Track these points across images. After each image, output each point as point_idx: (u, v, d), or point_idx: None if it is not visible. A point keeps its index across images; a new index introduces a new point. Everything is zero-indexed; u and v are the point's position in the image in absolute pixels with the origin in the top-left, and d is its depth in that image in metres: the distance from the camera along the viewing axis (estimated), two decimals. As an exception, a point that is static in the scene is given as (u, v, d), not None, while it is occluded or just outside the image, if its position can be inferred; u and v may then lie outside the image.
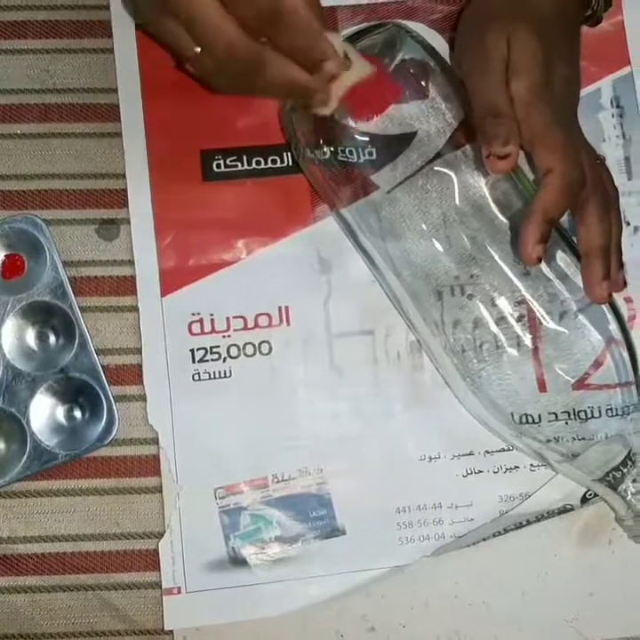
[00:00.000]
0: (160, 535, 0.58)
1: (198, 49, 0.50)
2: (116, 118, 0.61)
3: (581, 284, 0.55)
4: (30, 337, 0.60)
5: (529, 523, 0.58)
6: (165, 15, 0.50)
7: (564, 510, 0.58)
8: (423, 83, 0.56)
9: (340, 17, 0.63)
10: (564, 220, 0.55)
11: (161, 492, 0.59)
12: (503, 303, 0.59)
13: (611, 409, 0.59)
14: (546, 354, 0.59)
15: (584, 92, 0.57)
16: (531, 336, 0.59)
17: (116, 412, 0.59)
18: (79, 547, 0.59)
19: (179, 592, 0.58)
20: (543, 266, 0.58)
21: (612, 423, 0.59)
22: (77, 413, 0.59)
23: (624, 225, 0.61)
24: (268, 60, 0.50)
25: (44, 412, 0.59)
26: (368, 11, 0.63)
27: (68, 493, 0.59)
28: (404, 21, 0.62)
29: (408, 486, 0.59)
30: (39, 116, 0.62)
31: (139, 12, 0.54)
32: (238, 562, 0.59)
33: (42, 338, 0.60)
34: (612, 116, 0.57)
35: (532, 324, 0.59)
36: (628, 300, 0.60)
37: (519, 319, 0.59)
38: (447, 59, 0.60)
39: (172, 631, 0.58)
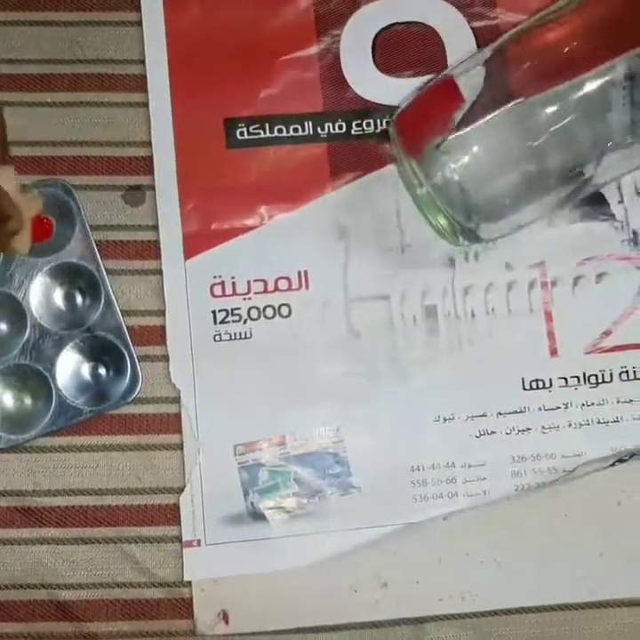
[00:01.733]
0: (180, 490, 0.55)
1: None
2: (142, 88, 0.58)
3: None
4: (58, 297, 0.57)
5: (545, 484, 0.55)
6: None
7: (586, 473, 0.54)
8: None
9: None
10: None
11: (182, 449, 0.55)
12: (518, 266, 0.56)
13: (625, 373, 0.55)
14: (558, 318, 0.56)
15: (599, 69, 0.53)
16: (543, 300, 0.56)
17: (139, 370, 0.56)
18: (101, 501, 0.56)
19: (198, 544, 0.55)
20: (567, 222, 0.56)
21: (624, 387, 0.56)
22: (102, 371, 0.57)
23: (636, 196, 0.58)
24: None
25: (69, 369, 0.56)
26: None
27: (91, 449, 0.56)
28: None
29: (422, 446, 0.56)
30: (69, 85, 0.58)
31: None
32: (257, 516, 0.55)
33: (69, 298, 0.57)
34: (623, 87, 0.53)
35: (545, 288, 0.56)
36: (640, 268, 0.57)
37: (532, 283, 0.56)
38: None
39: (190, 582, 0.55)
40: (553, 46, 0.53)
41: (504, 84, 0.53)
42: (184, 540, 0.55)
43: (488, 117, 0.52)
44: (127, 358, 0.56)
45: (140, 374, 0.56)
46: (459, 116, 0.52)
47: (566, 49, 0.53)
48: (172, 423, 0.56)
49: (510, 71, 0.53)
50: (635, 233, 0.57)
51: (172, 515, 0.55)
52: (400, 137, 0.54)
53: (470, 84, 0.53)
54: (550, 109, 0.52)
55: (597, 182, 0.54)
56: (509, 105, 0.52)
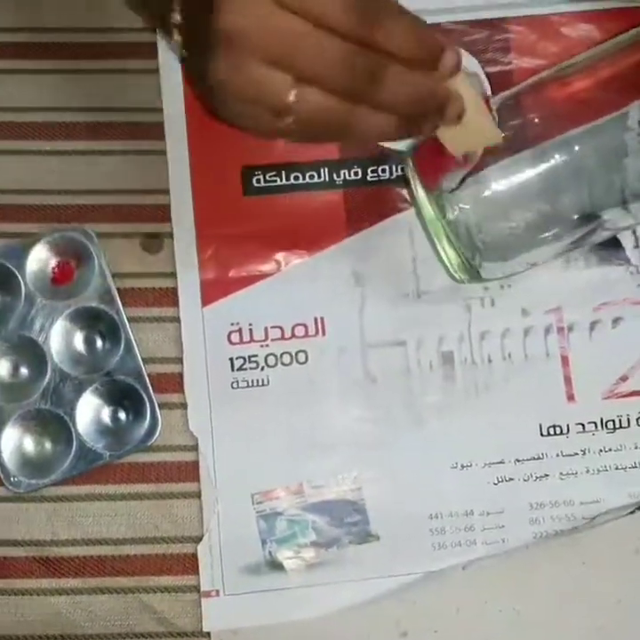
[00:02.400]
0: (198, 539, 0.53)
1: (291, 99, 0.39)
2: (160, 136, 0.56)
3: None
4: (78, 341, 0.55)
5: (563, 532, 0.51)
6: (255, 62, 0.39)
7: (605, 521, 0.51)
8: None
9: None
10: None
11: (199, 497, 0.53)
12: (534, 312, 0.54)
13: (641, 419, 0.52)
14: (575, 363, 0.54)
15: (612, 115, 0.50)
16: (560, 346, 0.53)
17: (159, 413, 0.53)
18: (119, 550, 0.53)
19: (217, 594, 0.52)
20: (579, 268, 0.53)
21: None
22: (122, 415, 0.54)
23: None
24: (384, 68, 0.39)
25: (89, 413, 0.54)
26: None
27: (109, 498, 0.53)
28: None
29: (440, 493, 0.53)
30: (87, 133, 0.56)
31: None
32: (275, 566, 0.53)
33: (89, 342, 0.55)
34: (639, 134, 0.50)
35: (561, 333, 0.54)
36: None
37: (548, 329, 0.53)
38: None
39: (209, 633, 0.52)
40: (567, 94, 0.51)
41: (520, 129, 0.50)
42: (202, 589, 0.52)
43: (503, 160, 0.49)
44: (146, 402, 0.53)
45: (159, 417, 0.53)
46: (476, 156, 0.49)
47: (580, 96, 0.51)
48: (190, 471, 0.53)
49: (525, 116, 0.51)
50: (650, 277, 0.54)
51: (190, 564, 0.52)
52: (416, 168, 0.51)
53: None
54: (564, 155, 0.49)
55: (613, 228, 0.51)
56: (524, 149, 0.49)
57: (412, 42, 0.40)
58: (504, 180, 0.50)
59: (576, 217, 0.51)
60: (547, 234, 0.51)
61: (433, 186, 0.50)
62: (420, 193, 0.51)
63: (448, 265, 0.52)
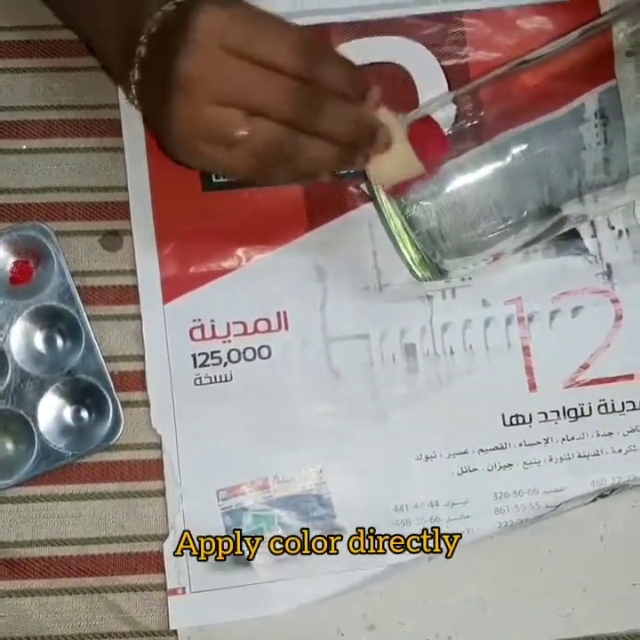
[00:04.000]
0: (164, 537, 0.52)
1: (243, 132, 0.44)
2: (118, 133, 0.55)
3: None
4: (38, 340, 0.54)
5: (528, 521, 0.51)
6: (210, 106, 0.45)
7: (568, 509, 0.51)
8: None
9: (334, 34, 0.56)
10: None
11: (164, 495, 0.52)
12: (494, 303, 0.54)
13: (604, 406, 0.53)
14: (536, 353, 0.54)
15: (568, 107, 0.50)
16: (520, 336, 0.53)
17: (121, 412, 0.53)
18: (85, 550, 0.52)
19: (183, 592, 0.51)
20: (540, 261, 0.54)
21: (603, 420, 0.53)
22: (84, 414, 0.53)
23: (608, 229, 0.55)
24: (323, 100, 0.45)
25: (51, 413, 0.53)
26: (360, 27, 0.56)
27: (73, 498, 0.53)
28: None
29: (405, 485, 0.53)
30: (44, 131, 0.55)
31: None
32: (241, 562, 0.52)
33: (49, 341, 0.54)
34: (596, 125, 0.50)
35: (522, 323, 0.54)
36: (615, 301, 0.54)
37: (509, 319, 0.53)
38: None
39: (176, 631, 0.51)
40: (523, 88, 0.51)
41: (476, 124, 0.50)
42: (169, 588, 0.52)
43: (462, 156, 0.49)
44: (109, 400, 0.53)
45: (122, 416, 0.53)
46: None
47: (536, 90, 0.50)
48: (154, 469, 0.52)
49: (482, 111, 0.50)
50: (608, 266, 0.54)
51: (156, 562, 0.52)
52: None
53: (442, 121, 0.50)
54: (522, 149, 0.49)
55: (573, 219, 0.51)
56: (481, 145, 0.49)
57: (347, 78, 0.46)
58: (463, 177, 0.50)
59: (536, 210, 0.50)
60: (507, 228, 0.50)
61: (395, 189, 0.49)
62: (381, 194, 0.50)
63: (410, 263, 0.51)
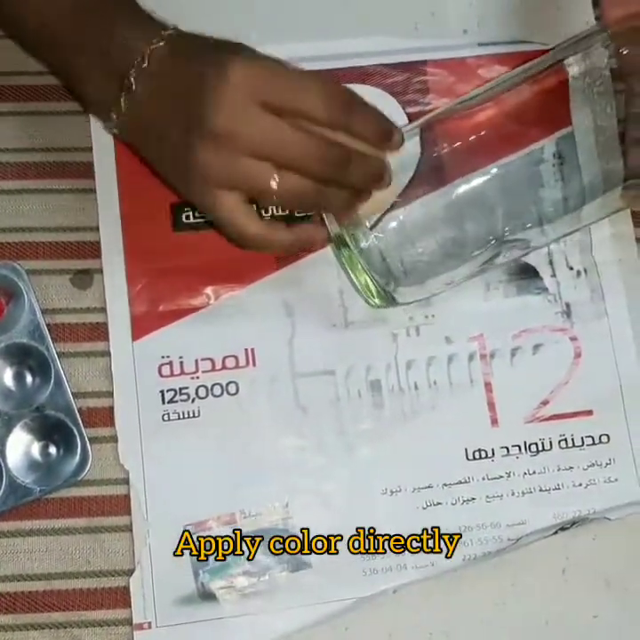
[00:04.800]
0: (130, 572, 0.52)
1: (273, 184, 0.46)
2: (90, 175, 0.56)
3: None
4: (7, 377, 0.54)
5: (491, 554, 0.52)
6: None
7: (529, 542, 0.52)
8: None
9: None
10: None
11: (131, 530, 0.52)
12: (457, 340, 0.55)
13: (564, 440, 0.54)
14: (497, 389, 0.55)
15: (529, 149, 0.52)
16: (483, 372, 0.54)
17: (89, 448, 0.53)
18: (51, 585, 0.52)
19: (149, 627, 0.51)
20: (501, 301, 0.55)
21: (564, 455, 0.54)
22: (52, 450, 0.54)
23: (566, 269, 0.56)
24: (351, 156, 0.48)
25: (19, 449, 0.53)
26: (326, 74, 0.58)
27: (40, 533, 0.53)
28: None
29: (371, 518, 0.53)
30: (17, 173, 0.56)
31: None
32: (207, 596, 0.52)
33: (18, 378, 0.54)
34: (553, 165, 0.52)
35: (484, 360, 0.55)
36: (574, 339, 0.55)
37: (471, 356, 0.54)
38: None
39: (142, 667, 0.51)
40: (480, 126, 0.52)
41: (437, 161, 0.52)
42: (135, 622, 0.51)
43: (419, 191, 0.51)
44: (77, 436, 0.53)
45: (89, 452, 0.53)
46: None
47: (493, 129, 0.52)
48: (122, 505, 0.53)
49: (442, 149, 0.52)
50: (567, 305, 0.56)
51: (122, 597, 0.52)
52: None
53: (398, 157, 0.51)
54: (479, 184, 0.51)
55: (526, 247, 0.53)
56: (441, 181, 0.51)
57: (377, 125, 0.48)
58: (416, 210, 0.51)
59: (489, 240, 0.52)
60: (459, 258, 0.52)
61: (344, 217, 0.51)
62: (333, 224, 0.51)
63: (363, 292, 0.53)
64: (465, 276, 0.52)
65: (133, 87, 0.47)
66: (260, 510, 0.53)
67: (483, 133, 0.52)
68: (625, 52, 0.49)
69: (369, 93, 0.57)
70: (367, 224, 0.50)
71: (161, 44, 0.47)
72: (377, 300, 0.52)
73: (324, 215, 0.51)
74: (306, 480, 0.53)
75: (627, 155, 0.50)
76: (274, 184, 0.46)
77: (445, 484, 0.54)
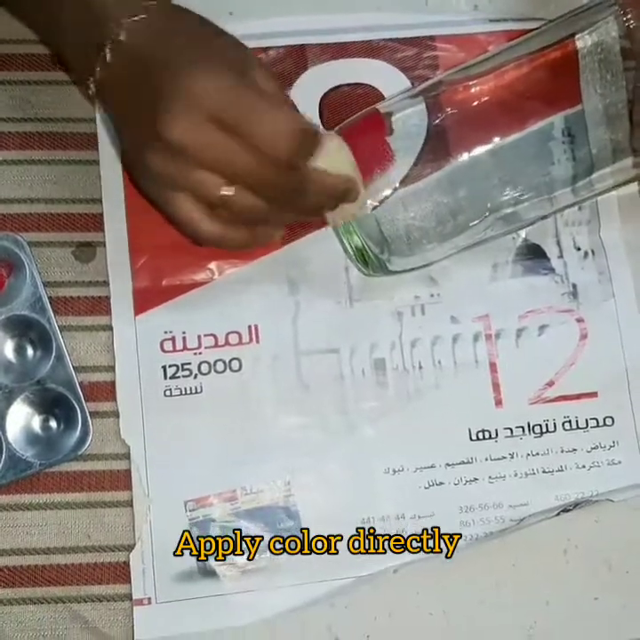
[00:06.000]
0: (130, 548, 0.52)
1: (228, 191, 0.45)
2: (93, 146, 0.55)
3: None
4: (8, 349, 0.54)
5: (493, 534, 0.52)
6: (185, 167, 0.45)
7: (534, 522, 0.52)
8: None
9: (310, 55, 0.57)
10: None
11: (132, 505, 0.52)
12: (462, 320, 0.55)
13: (568, 422, 0.54)
14: (502, 370, 0.54)
15: (537, 126, 0.51)
16: (488, 352, 0.54)
17: (90, 422, 0.53)
18: (50, 560, 0.52)
19: (149, 602, 0.51)
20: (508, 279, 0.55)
21: (568, 436, 0.54)
22: (53, 424, 0.53)
23: (574, 250, 0.56)
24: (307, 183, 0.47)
25: (20, 422, 0.53)
26: (336, 48, 0.57)
27: (40, 507, 0.52)
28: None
29: (372, 498, 0.53)
30: (20, 143, 0.56)
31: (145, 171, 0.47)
32: (207, 573, 0.52)
33: (19, 350, 0.54)
34: (563, 142, 0.51)
35: (489, 340, 0.54)
36: (580, 320, 0.55)
37: (477, 336, 0.53)
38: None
39: (141, 642, 0.51)
40: (487, 99, 0.51)
41: (443, 132, 0.51)
42: (134, 598, 0.51)
43: (421, 168, 0.50)
44: (78, 411, 0.53)
45: (90, 426, 0.53)
46: (386, 153, 0.50)
47: (501, 103, 0.51)
48: (122, 480, 0.52)
49: (448, 119, 0.51)
50: (574, 286, 0.56)
51: (122, 573, 0.52)
52: None
53: (402, 122, 0.51)
54: (484, 160, 0.50)
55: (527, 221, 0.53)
56: (444, 161, 0.50)
57: (333, 183, 0.47)
58: (418, 183, 0.50)
59: (486, 211, 0.51)
60: (456, 228, 0.51)
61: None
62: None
63: (355, 258, 0.52)
64: (461, 246, 0.52)
65: (108, 59, 0.46)
66: (262, 487, 0.53)
67: (489, 106, 0.51)
68: (632, 26, 0.48)
69: (379, 68, 0.57)
70: (369, 203, 0.49)
71: (140, 17, 0.45)
72: (369, 270, 0.52)
73: None
74: (307, 458, 0.53)
75: (633, 136, 0.49)
76: (225, 197, 0.45)
77: (448, 464, 0.54)
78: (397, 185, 0.50)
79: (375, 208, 0.50)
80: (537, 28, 0.53)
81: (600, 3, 0.51)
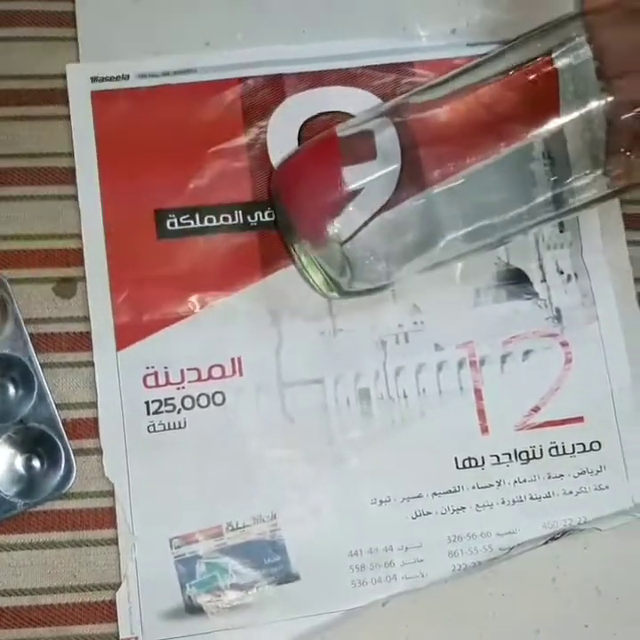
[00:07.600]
0: (116, 586, 0.52)
1: None
2: (72, 181, 0.55)
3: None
4: (-11, 389, 0.53)
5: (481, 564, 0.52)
6: None
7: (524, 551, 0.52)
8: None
9: (287, 85, 0.57)
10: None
11: (117, 543, 0.52)
12: (446, 347, 0.55)
13: (554, 448, 0.54)
14: (488, 396, 0.54)
15: (518, 145, 0.51)
16: (473, 379, 0.54)
17: (73, 460, 0.52)
18: (36, 600, 0.52)
19: (136, 642, 0.51)
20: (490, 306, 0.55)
21: (554, 462, 0.54)
22: (36, 463, 0.53)
23: (557, 274, 0.56)
24: None
25: (3, 462, 0.53)
26: (314, 77, 0.57)
27: (25, 547, 0.52)
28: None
29: (360, 530, 0.53)
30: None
31: None
32: (194, 610, 0.52)
33: (1, 390, 0.54)
34: (545, 164, 0.51)
35: (474, 367, 0.54)
36: (564, 344, 0.55)
37: (461, 363, 0.53)
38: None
39: (128, 682, 0.51)
40: (459, 123, 0.51)
41: (411, 167, 0.50)
42: (121, 637, 0.51)
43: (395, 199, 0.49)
44: (61, 449, 0.52)
45: (74, 464, 0.52)
46: (346, 179, 0.49)
47: (479, 125, 0.51)
48: (107, 517, 0.52)
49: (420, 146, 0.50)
50: (558, 310, 0.55)
51: (108, 611, 0.51)
52: (282, 190, 0.52)
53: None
54: (465, 185, 0.50)
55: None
56: (418, 191, 0.50)
57: None
58: (389, 216, 0.50)
59: (462, 236, 0.51)
60: (425, 254, 0.51)
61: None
62: (286, 218, 0.51)
63: (310, 281, 0.53)
64: (425, 267, 0.52)
65: None
66: (247, 522, 0.52)
67: (462, 129, 0.51)
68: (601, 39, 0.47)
69: (356, 95, 0.57)
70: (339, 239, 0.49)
71: None
72: (326, 291, 0.52)
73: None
74: (293, 491, 0.53)
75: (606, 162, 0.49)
76: None
77: (435, 494, 0.53)
78: (373, 213, 0.50)
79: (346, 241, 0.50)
80: (504, 46, 0.52)
81: (572, 17, 0.50)
